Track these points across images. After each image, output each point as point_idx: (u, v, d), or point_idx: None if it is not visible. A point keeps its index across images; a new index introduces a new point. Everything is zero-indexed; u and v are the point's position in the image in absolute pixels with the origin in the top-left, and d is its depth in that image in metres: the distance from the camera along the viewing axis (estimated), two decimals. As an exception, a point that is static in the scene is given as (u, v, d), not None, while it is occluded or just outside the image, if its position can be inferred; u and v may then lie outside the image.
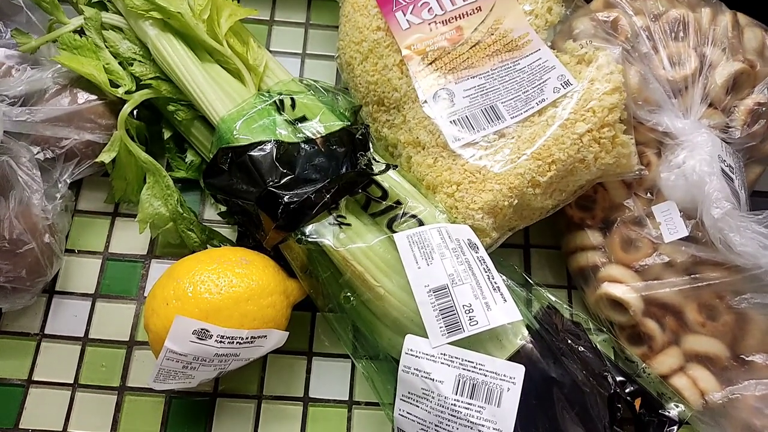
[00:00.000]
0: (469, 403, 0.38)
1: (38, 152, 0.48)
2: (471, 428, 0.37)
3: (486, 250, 0.43)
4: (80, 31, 0.50)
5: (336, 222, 0.42)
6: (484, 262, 0.42)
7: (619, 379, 0.42)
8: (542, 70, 0.46)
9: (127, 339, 0.49)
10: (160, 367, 0.39)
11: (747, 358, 0.44)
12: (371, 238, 0.42)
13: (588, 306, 0.50)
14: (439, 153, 0.45)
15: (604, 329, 0.48)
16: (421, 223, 0.43)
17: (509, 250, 0.53)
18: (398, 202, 0.44)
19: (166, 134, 0.52)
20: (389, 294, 0.41)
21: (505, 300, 0.40)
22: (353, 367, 0.49)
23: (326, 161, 0.44)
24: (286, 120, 0.46)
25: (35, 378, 0.47)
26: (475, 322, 0.38)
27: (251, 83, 0.49)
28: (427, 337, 0.38)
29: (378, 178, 0.44)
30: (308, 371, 0.48)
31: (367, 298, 0.42)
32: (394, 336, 0.42)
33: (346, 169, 0.44)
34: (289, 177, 0.42)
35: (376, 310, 0.42)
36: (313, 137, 0.45)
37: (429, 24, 0.48)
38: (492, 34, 0.48)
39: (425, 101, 0.46)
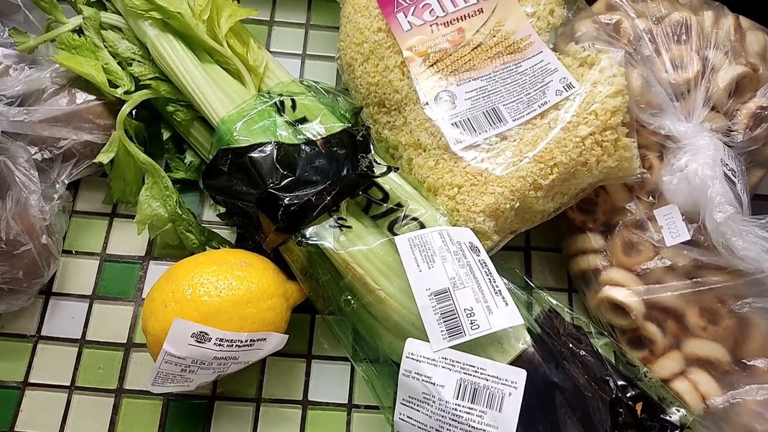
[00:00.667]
0: (470, 408, 0.37)
1: (36, 152, 0.48)
2: (472, 433, 0.37)
3: (487, 253, 0.43)
4: (79, 31, 0.50)
5: (337, 224, 0.42)
6: (486, 266, 0.42)
7: (620, 383, 0.42)
8: (544, 72, 0.46)
9: (125, 341, 0.48)
10: (158, 370, 0.39)
11: (748, 363, 0.44)
12: (372, 241, 0.42)
13: (589, 309, 0.50)
14: (441, 155, 0.45)
15: (605, 333, 0.48)
16: (422, 226, 0.43)
17: (510, 252, 0.53)
18: (399, 205, 0.44)
19: (165, 135, 0.52)
20: (390, 297, 0.41)
21: (507, 303, 0.40)
22: (353, 370, 0.48)
23: (327, 163, 0.43)
24: (286, 121, 0.46)
25: (31, 380, 0.47)
26: (477, 326, 0.38)
27: (251, 84, 0.49)
28: (428, 341, 0.38)
29: (379, 180, 0.44)
30: (307, 374, 0.48)
31: (368, 301, 0.42)
32: (394, 339, 0.42)
33: (346, 171, 0.43)
34: (290, 179, 0.42)
35: (377, 314, 0.42)
36: (314, 139, 0.45)
37: (430, 25, 0.48)
38: (494, 36, 0.47)
39: (426, 103, 0.46)
